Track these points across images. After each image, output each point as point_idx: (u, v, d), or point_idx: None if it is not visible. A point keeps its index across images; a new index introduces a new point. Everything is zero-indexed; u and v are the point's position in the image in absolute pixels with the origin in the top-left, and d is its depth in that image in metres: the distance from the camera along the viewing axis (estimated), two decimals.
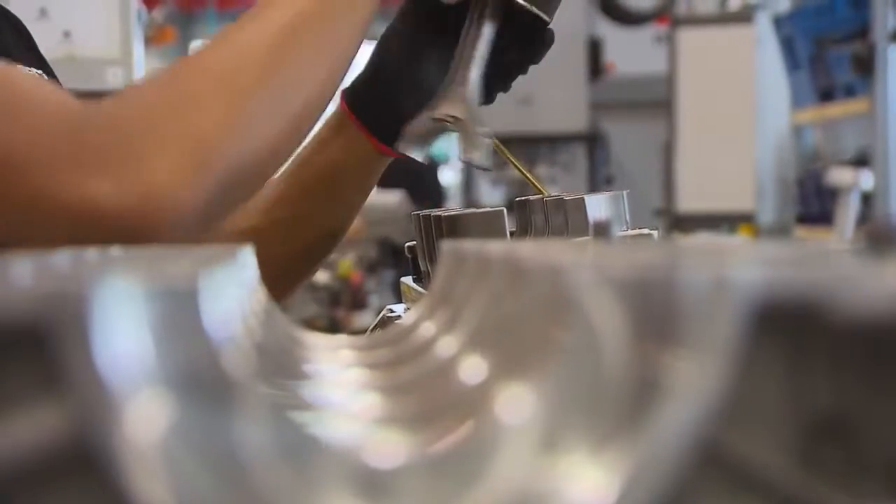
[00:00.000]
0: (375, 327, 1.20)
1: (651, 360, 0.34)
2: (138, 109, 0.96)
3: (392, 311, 1.21)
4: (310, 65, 1.05)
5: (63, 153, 0.90)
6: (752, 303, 0.32)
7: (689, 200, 5.87)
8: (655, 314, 0.34)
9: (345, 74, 1.11)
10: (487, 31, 1.15)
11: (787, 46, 5.30)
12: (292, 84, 1.03)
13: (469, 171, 7.79)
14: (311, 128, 1.10)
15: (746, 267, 0.35)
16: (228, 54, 1.03)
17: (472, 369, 0.45)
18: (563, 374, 0.36)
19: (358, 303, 6.92)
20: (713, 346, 0.33)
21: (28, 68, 1.21)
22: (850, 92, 4.90)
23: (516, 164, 1.28)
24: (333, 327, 7.02)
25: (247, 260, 0.60)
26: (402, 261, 1.29)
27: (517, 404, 0.38)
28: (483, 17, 1.15)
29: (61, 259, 0.44)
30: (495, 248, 0.55)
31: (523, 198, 1.18)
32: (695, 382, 0.33)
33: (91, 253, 0.51)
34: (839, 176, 4.79)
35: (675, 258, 0.41)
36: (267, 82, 1.01)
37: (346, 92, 1.28)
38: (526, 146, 7.37)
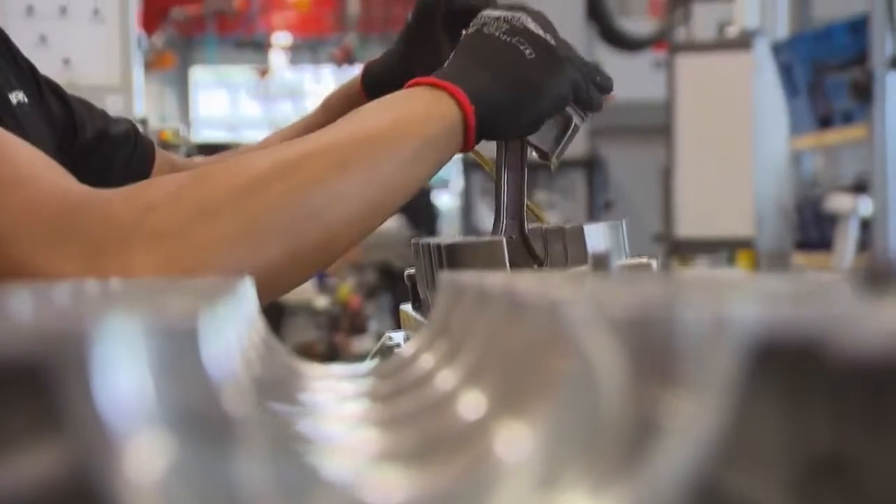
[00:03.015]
0: (375, 354, 1.20)
1: (649, 399, 0.34)
2: (141, 209, 0.93)
3: (391, 338, 1.21)
4: (344, 195, 1.00)
5: (51, 233, 0.89)
6: (750, 341, 0.32)
7: (688, 226, 5.87)
8: (653, 352, 0.34)
9: (389, 212, 1.07)
10: (522, 170, 1.18)
11: (786, 73, 5.32)
12: (316, 212, 0.98)
13: (468, 195, 7.80)
14: (332, 260, 1.06)
15: (744, 305, 0.36)
16: (256, 168, 0.98)
17: (472, 404, 0.45)
18: (562, 411, 0.36)
19: (357, 327, 6.92)
20: (711, 384, 0.33)
21: (15, 93, 1.20)
22: (848, 118, 4.91)
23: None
24: (332, 352, 7.02)
25: (246, 292, 0.60)
26: (400, 285, 1.29)
27: (516, 442, 0.38)
28: (513, 163, 1.18)
29: (61, 294, 0.44)
30: (494, 280, 0.55)
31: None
32: (693, 421, 0.33)
33: (91, 286, 0.51)
34: (838, 202, 4.79)
35: (673, 294, 0.41)
36: (287, 203, 0.96)
37: (364, 72, 1.31)
38: None
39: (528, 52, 1.09)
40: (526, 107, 1.09)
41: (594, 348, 0.35)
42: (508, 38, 1.09)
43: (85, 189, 0.94)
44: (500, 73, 1.08)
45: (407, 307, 1.24)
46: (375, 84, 1.32)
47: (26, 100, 1.22)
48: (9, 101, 1.18)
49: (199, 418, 0.34)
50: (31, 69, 1.32)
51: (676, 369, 0.33)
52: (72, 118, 1.33)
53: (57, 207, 0.91)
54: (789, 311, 0.34)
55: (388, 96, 1.09)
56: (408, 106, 1.06)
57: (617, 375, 0.34)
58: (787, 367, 0.32)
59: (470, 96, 1.06)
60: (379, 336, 1.24)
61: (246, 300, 0.58)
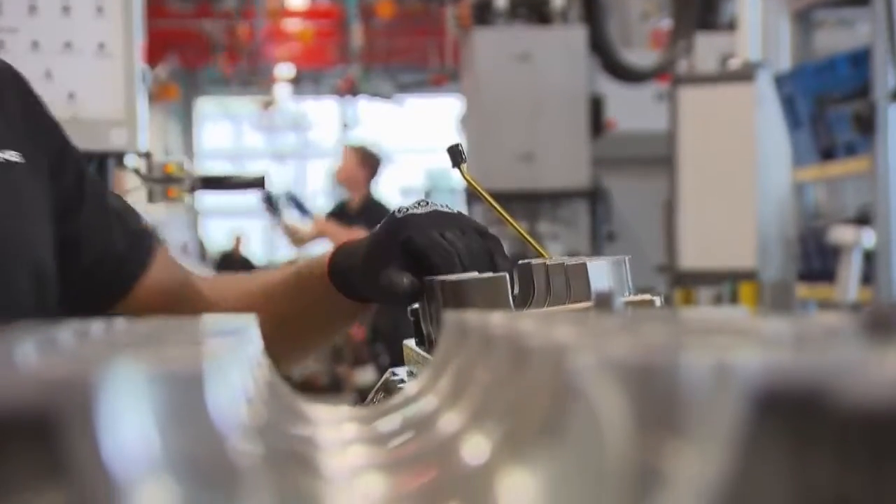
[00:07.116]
0: (378, 391, 1.20)
1: (654, 447, 0.34)
2: None
3: (395, 373, 1.21)
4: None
5: None
6: (753, 390, 0.32)
7: (691, 257, 5.86)
8: (658, 400, 0.34)
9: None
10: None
11: (788, 105, 5.33)
12: None
13: None
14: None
15: (748, 352, 0.36)
16: None
17: (475, 449, 0.45)
18: (565, 460, 0.36)
19: (359, 359, 6.91)
20: (715, 432, 0.33)
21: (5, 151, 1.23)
22: (850, 150, 4.92)
23: (517, 227, 1.30)
24: (335, 383, 7.01)
25: (251, 333, 0.60)
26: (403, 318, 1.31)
27: (519, 489, 0.38)
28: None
29: (66, 341, 0.44)
30: (497, 322, 0.55)
31: (526, 261, 1.18)
32: (697, 469, 0.33)
33: (96, 329, 0.51)
34: (841, 234, 4.79)
35: (677, 340, 0.41)
36: None
37: (332, 257, 1.38)
38: (527, 202, 7.39)
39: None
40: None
41: (598, 397, 0.35)
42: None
43: None
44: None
45: (410, 342, 1.24)
46: (339, 273, 1.38)
47: (21, 161, 1.25)
48: None
49: (205, 467, 0.35)
50: (59, 142, 1.34)
51: (681, 417, 0.34)
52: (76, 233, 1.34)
53: None
54: (793, 360, 0.34)
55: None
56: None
57: (621, 424, 0.34)
58: (790, 416, 0.32)
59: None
60: (381, 367, 1.25)
61: (250, 342, 0.58)
